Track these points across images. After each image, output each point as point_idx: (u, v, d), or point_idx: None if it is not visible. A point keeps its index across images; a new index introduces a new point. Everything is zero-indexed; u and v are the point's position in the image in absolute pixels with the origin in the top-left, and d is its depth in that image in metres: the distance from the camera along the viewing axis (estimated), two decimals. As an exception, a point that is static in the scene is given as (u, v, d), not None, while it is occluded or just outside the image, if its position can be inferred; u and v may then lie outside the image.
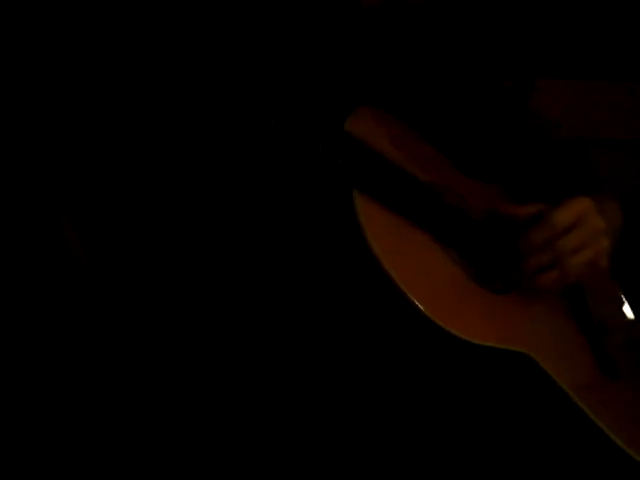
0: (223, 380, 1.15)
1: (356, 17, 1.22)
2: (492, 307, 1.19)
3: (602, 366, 1.27)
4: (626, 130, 1.92)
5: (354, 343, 1.15)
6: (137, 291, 1.18)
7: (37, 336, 1.21)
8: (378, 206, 1.13)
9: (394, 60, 1.25)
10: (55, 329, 1.20)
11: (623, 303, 1.39)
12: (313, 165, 1.11)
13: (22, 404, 1.21)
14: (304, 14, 1.20)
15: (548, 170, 1.37)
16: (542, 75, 1.77)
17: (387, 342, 1.15)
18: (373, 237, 1.10)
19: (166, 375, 1.17)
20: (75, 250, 1.18)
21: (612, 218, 1.28)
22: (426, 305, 1.09)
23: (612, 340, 1.30)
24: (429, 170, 1.22)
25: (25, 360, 1.22)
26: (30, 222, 1.16)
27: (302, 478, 1.14)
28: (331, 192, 1.13)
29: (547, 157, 1.37)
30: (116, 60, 1.03)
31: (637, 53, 1.92)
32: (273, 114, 1.08)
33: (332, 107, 1.16)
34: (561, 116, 1.49)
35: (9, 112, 1.10)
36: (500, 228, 1.24)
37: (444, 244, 1.18)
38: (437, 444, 1.17)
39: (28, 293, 1.19)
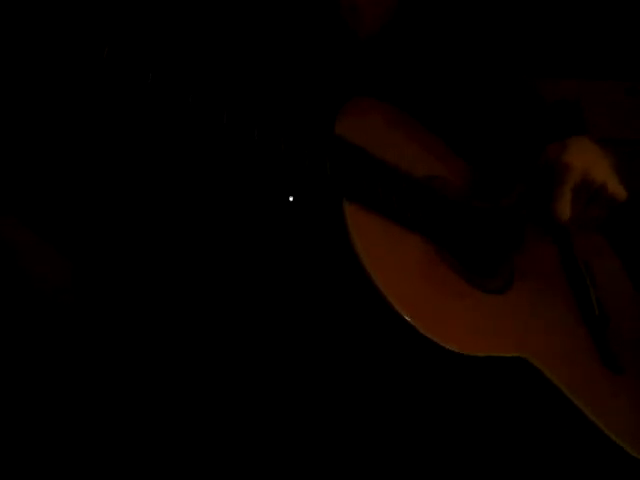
0: (221, 382, 1.15)
1: (353, 48, 1.21)
2: (487, 311, 1.18)
3: (604, 359, 1.27)
4: (626, 130, 1.91)
5: (350, 348, 1.15)
6: (135, 294, 1.18)
7: (37, 337, 1.22)
8: (369, 214, 1.12)
9: (386, 55, 1.25)
10: (55, 331, 1.20)
11: (628, 284, 1.38)
12: (302, 176, 1.10)
13: (22, 404, 1.21)
14: (286, 23, 1.20)
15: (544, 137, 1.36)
16: (542, 75, 1.76)
17: (383, 347, 1.15)
18: (363, 249, 1.08)
19: (164, 376, 1.17)
20: (50, 279, 1.17)
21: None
22: (418, 321, 1.08)
23: (615, 330, 1.29)
24: (426, 161, 1.21)
25: (25, 361, 1.22)
26: None
27: (300, 478, 1.14)
28: (321, 201, 1.12)
29: (542, 124, 1.36)
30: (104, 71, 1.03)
31: (636, 53, 1.92)
32: (256, 126, 1.07)
33: (319, 115, 1.15)
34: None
35: (7, 114, 1.11)
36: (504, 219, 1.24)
37: (438, 245, 1.18)
38: (435, 447, 1.17)
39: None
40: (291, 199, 1.13)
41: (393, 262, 1.12)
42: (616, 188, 1.22)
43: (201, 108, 1.06)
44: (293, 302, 1.15)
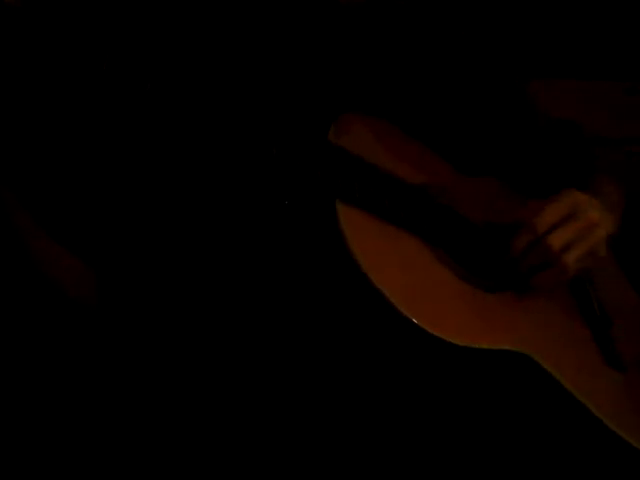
0: (221, 382, 1.16)
1: (335, 18, 1.21)
2: (485, 307, 1.18)
3: (607, 358, 1.26)
4: (626, 130, 1.92)
5: (348, 346, 1.15)
6: (135, 293, 1.19)
7: (38, 337, 1.22)
8: (362, 215, 1.12)
9: (377, 61, 1.24)
10: (56, 330, 1.20)
11: (628, 288, 1.38)
12: (294, 177, 1.11)
13: (23, 404, 1.22)
14: (282, 25, 1.20)
15: (542, 154, 1.36)
16: (542, 75, 1.77)
17: (382, 345, 1.15)
18: (357, 248, 1.09)
19: (163, 376, 1.17)
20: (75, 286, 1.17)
21: (611, 201, 1.28)
22: (422, 320, 1.09)
23: (617, 330, 1.29)
24: (419, 171, 1.21)
25: (26, 361, 1.22)
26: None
27: (301, 478, 1.14)
28: (315, 202, 1.13)
29: (540, 140, 1.36)
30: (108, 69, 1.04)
31: (636, 52, 1.92)
32: (250, 130, 1.09)
33: (312, 118, 1.15)
34: (560, 116, 1.49)
35: (8, 115, 1.11)
36: (495, 232, 1.25)
37: (433, 245, 1.18)
38: (437, 446, 1.17)
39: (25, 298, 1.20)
40: (286, 203, 1.14)
41: (389, 261, 1.12)
42: (570, 261, 1.19)
43: (196, 114, 1.07)
44: (291, 303, 1.15)
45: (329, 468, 1.14)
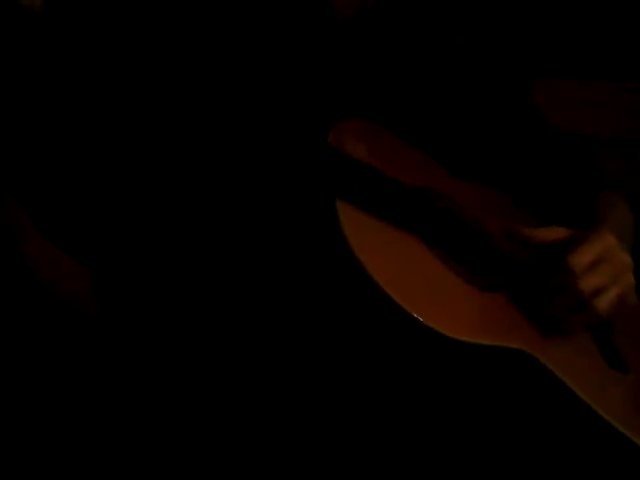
0: (221, 382, 1.16)
1: (333, 32, 1.21)
2: (484, 305, 1.18)
3: (608, 359, 1.26)
4: (626, 130, 1.92)
5: (349, 345, 1.15)
6: (134, 293, 1.19)
7: (38, 337, 1.22)
8: (362, 214, 1.13)
9: (377, 67, 1.25)
10: (55, 329, 1.21)
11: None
12: (293, 178, 1.11)
13: (22, 404, 1.22)
14: (283, 29, 1.20)
15: (549, 167, 1.36)
16: (542, 75, 1.77)
17: (383, 344, 1.15)
18: (357, 246, 1.09)
19: (164, 376, 1.17)
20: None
21: (628, 228, 1.28)
22: (415, 309, 1.09)
23: (618, 332, 1.29)
24: (416, 175, 1.21)
25: (25, 360, 1.22)
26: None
27: (301, 478, 1.14)
28: (315, 202, 1.13)
29: (547, 153, 1.36)
30: (111, 64, 1.05)
31: (637, 53, 1.93)
32: (250, 133, 1.09)
33: (311, 123, 1.15)
34: (561, 116, 1.49)
35: (9, 115, 1.11)
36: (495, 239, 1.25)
37: (432, 245, 1.18)
38: (437, 445, 1.17)
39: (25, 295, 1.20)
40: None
41: (388, 257, 1.13)
42: (601, 306, 1.17)
43: (197, 116, 1.08)
44: (291, 300, 1.15)
45: (329, 468, 1.14)
